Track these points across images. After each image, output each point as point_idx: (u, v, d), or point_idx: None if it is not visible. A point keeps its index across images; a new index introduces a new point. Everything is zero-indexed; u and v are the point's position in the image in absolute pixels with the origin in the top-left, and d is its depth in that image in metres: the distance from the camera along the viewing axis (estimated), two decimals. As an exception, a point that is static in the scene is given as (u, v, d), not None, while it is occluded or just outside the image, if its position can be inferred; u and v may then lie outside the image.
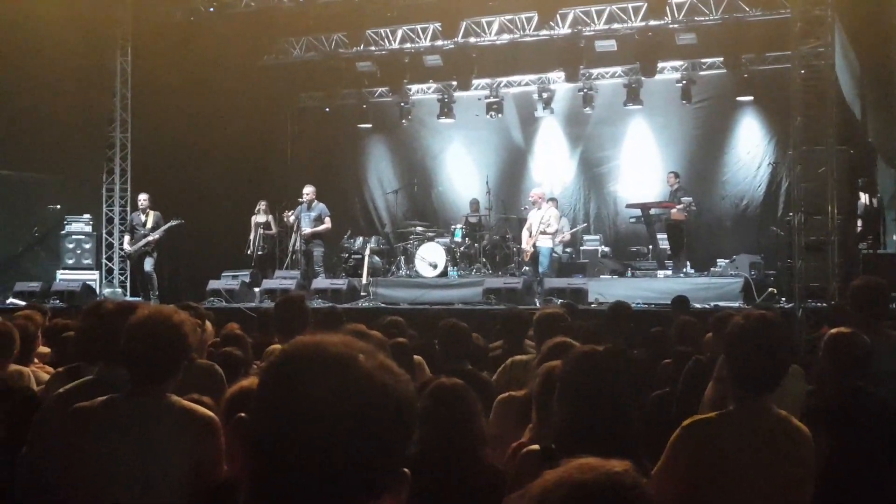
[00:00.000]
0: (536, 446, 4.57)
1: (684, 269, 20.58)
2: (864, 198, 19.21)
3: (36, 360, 7.91)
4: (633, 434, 4.24)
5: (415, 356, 8.39)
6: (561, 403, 4.41)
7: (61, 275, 22.44)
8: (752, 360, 4.62)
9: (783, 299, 17.94)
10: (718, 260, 21.37)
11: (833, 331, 6.05)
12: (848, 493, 5.10)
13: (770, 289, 18.70)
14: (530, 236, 20.44)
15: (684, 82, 23.87)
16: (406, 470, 1.98)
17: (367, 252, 22.29)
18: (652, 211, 21.28)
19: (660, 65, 23.08)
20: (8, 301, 20.04)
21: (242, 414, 2.00)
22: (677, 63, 24.00)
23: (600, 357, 4.47)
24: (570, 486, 1.90)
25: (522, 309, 13.12)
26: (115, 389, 4.70)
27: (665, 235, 21.30)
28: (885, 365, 6.53)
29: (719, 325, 7.71)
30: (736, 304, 17.27)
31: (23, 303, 18.57)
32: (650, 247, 22.28)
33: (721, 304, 17.29)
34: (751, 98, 23.36)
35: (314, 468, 1.86)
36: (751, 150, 24.04)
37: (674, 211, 20.51)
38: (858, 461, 5.15)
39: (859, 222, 19.14)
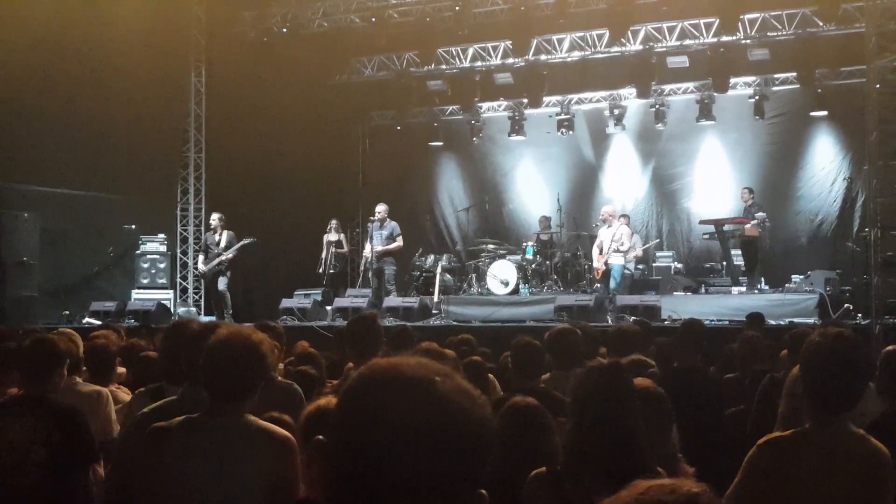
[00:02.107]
0: (544, 469, 4.46)
1: (758, 286, 20.36)
2: None
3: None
4: (641, 453, 4.11)
5: (489, 375, 8.41)
6: (569, 423, 4.34)
7: (136, 294, 22.67)
8: (829, 378, 4.57)
9: (859, 315, 17.70)
10: (793, 276, 21.10)
11: (889, 347, 5.99)
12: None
13: (846, 305, 18.46)
14: (601, 254, 20.34)
15: (757, 98, 23.64)
16: (483, 492, 1.99)
17: (439, 270, 22.28)
18: (725, 227, 21.08)
19: (732, 80, 22.90)
20: (84, 320, 20.30)
21: (320, 436, 2.02)
22: (750, 79, 23.80)
23: (606, 375, 4.36)
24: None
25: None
26: (198, 410, 4.75)
27: (739, 252, 21.11)
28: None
29: (794, 342, 7.66)
30: (811, 321, 17.08)
31: (98, 322, 18.81)
32: (724, 263, 22.07)
33: (796, 320, 17.11)
34: (825, 113, 23.09)
35: (392, 491, 1.88)
36: (825, 166, 23.76)
37: (748, 227, 20.32)
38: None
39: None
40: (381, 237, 21.11)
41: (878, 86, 16.71)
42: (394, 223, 21.35)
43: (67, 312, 21.16)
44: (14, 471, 5.72)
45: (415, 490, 1.88)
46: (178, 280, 24.06)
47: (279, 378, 6.87)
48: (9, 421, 5.84)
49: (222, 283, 21.14)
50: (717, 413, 8.10)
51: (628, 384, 4.39)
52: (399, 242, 21.24)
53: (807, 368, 4.75)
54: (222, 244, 21.11)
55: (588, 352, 8.50)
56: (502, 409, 4.93)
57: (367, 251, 21.73)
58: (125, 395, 7.25)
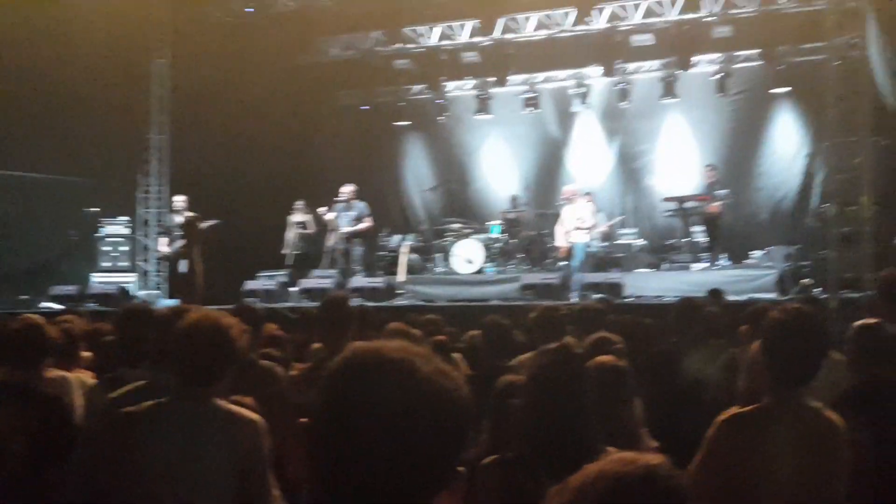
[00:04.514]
0: (495, 456, 4.52)
1: (719, 262, 20.54)
2: None
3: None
4: (592, 437, 4.06)
5: (454, 354, 8.48)
6: (522, 409, 4.32)
7: (97, 278, 22.55)
8: (788, 353, 4.67)
9: (818, 290, 17.88)
10: (753, 252, 21.29)
11: (858, 322, 6.08)
12: (877, 483, 5.14)
13: (805, 280, 18.64)
14: (565, 232, 20.39)
15: (720, 75, 23.73)
16: (462, 468, 2.08)
17: (404, 250, 22.32)
18: (688, 204, 21.23)
19: (695, 58, 23.04)
20: (42, 305, 20.13)
21: (305, 419, 2.11)
22: (713, 56, 23.89)
23: (555, 358, 4.39)
24: (611, 479, 1.96)
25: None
26: (165, 394, 4.76)
27: (701, 228, 21.25)
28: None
29: (754, 317, 7.74)
30: (771, 296, 17.25)
31: (59, 306, 18.67)
32: (685, 240, 22.22)
33: (756, 295, 17.26)
34: (787, 90, 23.15)
35: (376, 471, 1.97)
36: (787, 142, 23.86)
37: (710, 204, 20.47)
38: (885, 452, 5.18)
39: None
40: (349, 218, 21.07)
41: (836, 63, 16.86)
42: (362, 203, 21.31)
43: (26, 297, 21.00)
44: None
45: (397, 468, 1.97)
46: (140, 263, 23.94)
47: (260, 362, 6.90)
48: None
49: (184, 266, 20.97)
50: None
51: (578, 366, 4.42)
52: (368, 223, 21.23)
53: (767, 344, 4.83)
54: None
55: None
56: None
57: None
58: (90, 379, 7.22)
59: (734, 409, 4.88)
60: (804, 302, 8.31)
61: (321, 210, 21.69)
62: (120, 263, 23.01)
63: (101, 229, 23.12)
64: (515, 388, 4.53)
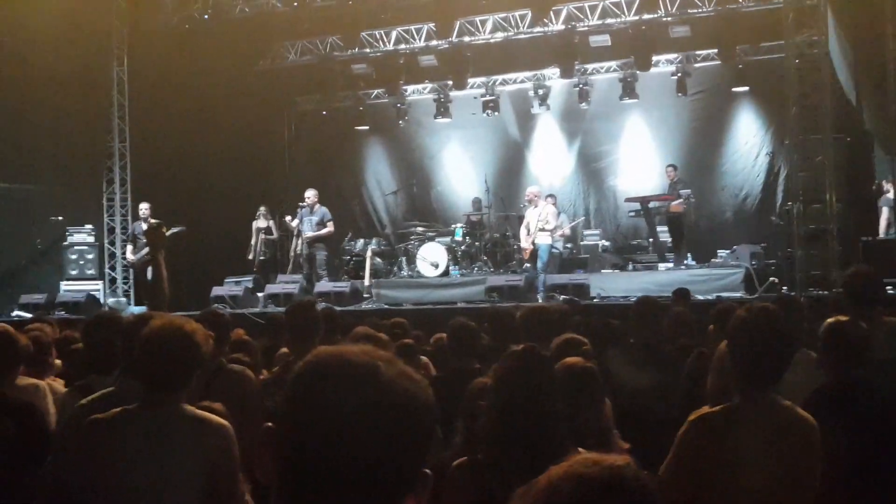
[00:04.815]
0: (465, 458, 4.49)
1: (685, 262, 20.58)
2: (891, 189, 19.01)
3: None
4: (559, 438, 4.09)
5: (421, 357, 8.47)
6: (490, 411, 4.34)
7: (65, 286, 22.50)
8: (755, 353, 4.67)
9: (784, 288, 17.96)
10: (719, 251, 21.37)
11: (830, 320, 6.09)
12: (849, 480, 5.15)
13: (771, 278, 18.71)
14: (528, 234, 20.37)
15: (679, 75, 23.85)
16: (428, 471, 2.07)
17: (369, 254, 22.29)
18: (651, 204, 21.29)
19: (654, 58, 23.11)
20: (13, 313, 20.10)
21: (269, 424, 2.09)
22: (672, 56, 24.02)
23: (527, 360, 4.37)
24: (577, 480, 1.96)
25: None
26: (134, 401, 4.78)
27: (665, 228, 21.32)
28: (881, 352, 6.59)
29: (721, 316, 7.76)
30: (738, 295, 17.31)
31: (29, 315, 18.64)
32: (651, 240, 22.27)
33: (723, 295, 17.32)
34: (746, 88, 23.33)
35: (341, 475, 1.95)
36: (748, 141, 24.01)
37: (673, 203, 20.52)
38: (856, 450, 5.20)
39: (886, 212, 18.99)
40: (312, 223, 21.10)
41: (796, 61, 16.96)
42: (324, 208, 21.34)
43: (-4, 306, 20.98)
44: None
45: (362, 472, 1.96)
46: (107, 271, 23.85)
47: (230, 366, 6.89)
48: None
49: (149, 273, 20.94)
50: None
51: (544, 368, 4.43)
52: (330, 228, 21.24)
53: (733, 344, 4.85)
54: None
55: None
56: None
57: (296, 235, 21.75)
58: (61, 387, 7.23)
59: (704, 409, 4.88)
60: (778, 301, 8.32)
61: (287, 218, 21.74)
62: (87, 271, 22.96)
63: (67, 237, 22.94)
64: (487, 391, 4.52)
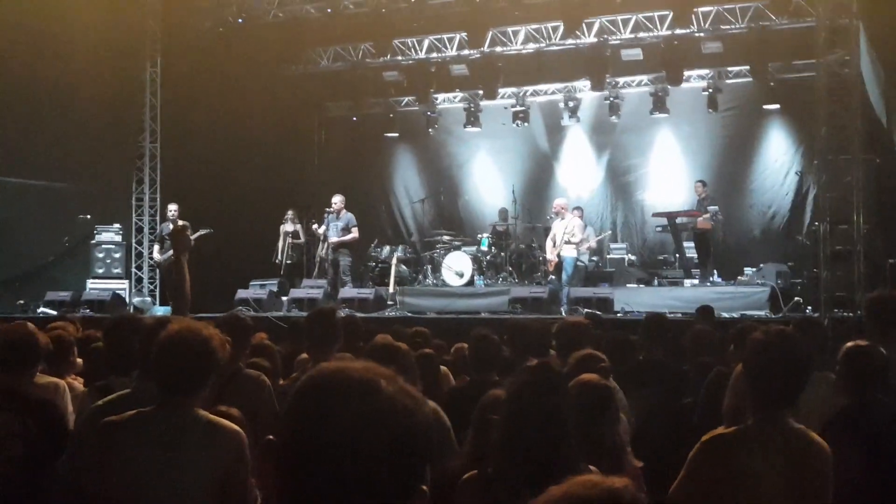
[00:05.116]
0: (474, 472, 4.50)
1: (711, 278, 20.50)
2: None
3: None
4: (569, 453, 4.10)
5: (441, 367, 8.48)
6: (501, 425, 4.33)
7: (91, 284, 22.55)
8: (770, 375, 4.67)
9: (809, 309, 17.87)
10: (745, 269, 21.27)
11: (849, 344, 6.07)
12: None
13: (796, 298, 18.63)
14: (554, 246, 20.34)
15: (710, 91, 23.77)
16: (425, 487, 2.09)
17: (394, 261, 22.31)
18: (678, 220, 21.22)
19: (686, 73, 23.01)
20: (39, 310, 20.23)
21: (271, 437, 2.12)
22: (703, 72, 23.92)
23: (540, 376, 4.38)
24: (574, 502, 1.98)
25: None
26: (150, 403, 4.81)
27: (692, 244, 21.26)
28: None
29: (741, 336, 7.74)
30: (762, 313, 17.25)
31: (54, 312, 18.73)
32: (677, 255, 22.19)
33: (748, 313, 17.26)
34: (777, 106, 23.21)
35: (340, 489, 1.99)
36: (778, 159, 23.89)
37: (700, 220, 20.45)
38: (874, 474, 5.19)
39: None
40: (337, 228, 21.07)
41: (827, 80, 16.86)
42: (350, 214, 21.29)
43: (22, 302, 21.12)
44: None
45: (360, 487, 1.99)
46: (134, 270, 23.96)
47: (246, 370, 6.92)
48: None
49: (174, 275, 20.98)
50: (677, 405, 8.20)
51: (558, 385, 4.42)
52: (354, 234, 21.15)
53: (748, 365, 4.86)
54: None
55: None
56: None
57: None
58: (81, 386, 7.27)
59: (718, 430, 4.88)
60: (800, 323, 8.28)
61: (314, 226, 21.79)
62: (114, 270, 22.99)
63: (95, 235, 23.04)
64: (500, 404, 4.53)
